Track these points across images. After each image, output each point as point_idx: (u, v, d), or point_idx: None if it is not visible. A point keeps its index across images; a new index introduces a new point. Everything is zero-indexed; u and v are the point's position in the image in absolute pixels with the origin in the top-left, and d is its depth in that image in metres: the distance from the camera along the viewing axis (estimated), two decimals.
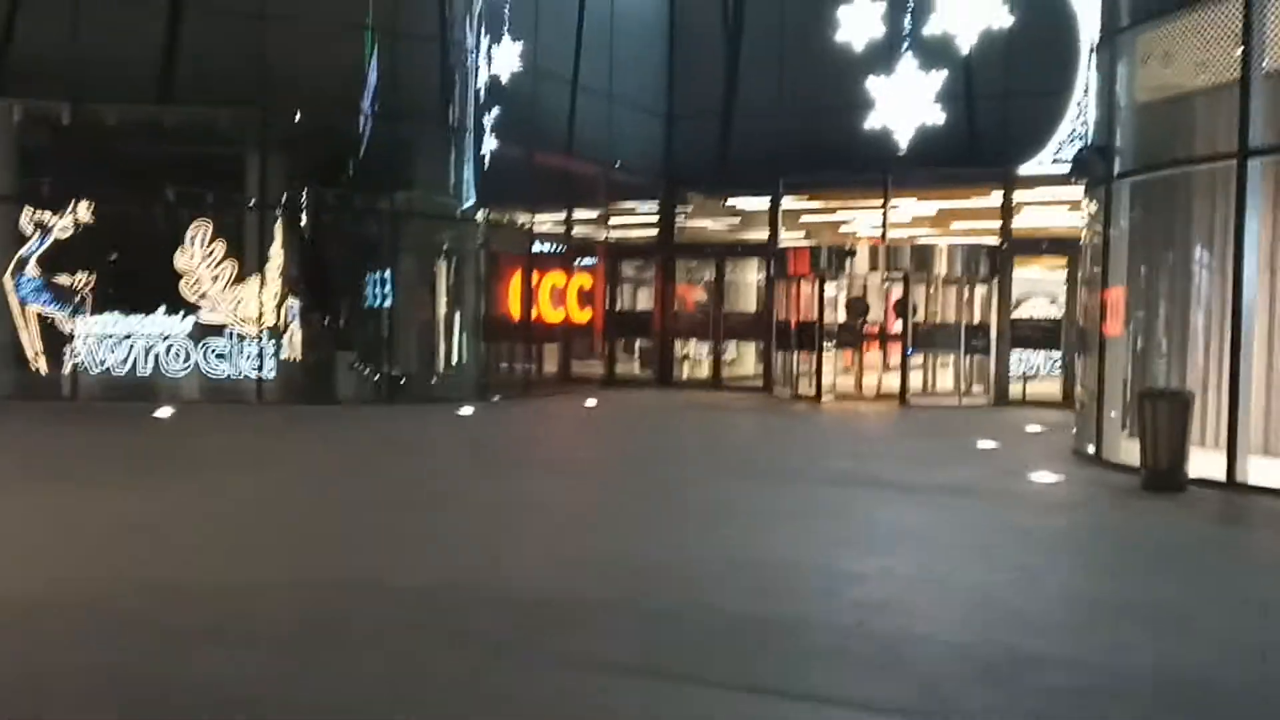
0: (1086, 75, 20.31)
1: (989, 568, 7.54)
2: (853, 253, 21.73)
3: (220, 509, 9.15)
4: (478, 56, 20.36)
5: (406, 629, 5.81)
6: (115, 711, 4.67)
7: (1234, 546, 8.93)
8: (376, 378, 19.33)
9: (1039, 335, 21.51)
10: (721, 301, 24.58)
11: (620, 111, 24.09)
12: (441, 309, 20.45)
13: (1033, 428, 17.00)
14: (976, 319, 21.44)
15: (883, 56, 21.78)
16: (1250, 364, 10.80)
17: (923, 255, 21.62)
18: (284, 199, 19.27)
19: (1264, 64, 10.40)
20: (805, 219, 24.83)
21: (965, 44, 20.81)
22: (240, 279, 18.70)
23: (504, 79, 20.60)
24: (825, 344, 21.63)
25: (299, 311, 18.95)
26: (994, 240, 21.73)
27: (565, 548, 8.01)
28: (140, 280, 18.83)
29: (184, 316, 18.64)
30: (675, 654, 5.49)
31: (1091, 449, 12.70)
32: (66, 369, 18.26)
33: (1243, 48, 10.45)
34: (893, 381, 22.03)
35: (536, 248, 22.57)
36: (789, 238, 23.89)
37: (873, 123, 21.44)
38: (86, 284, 18.28)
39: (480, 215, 20.74)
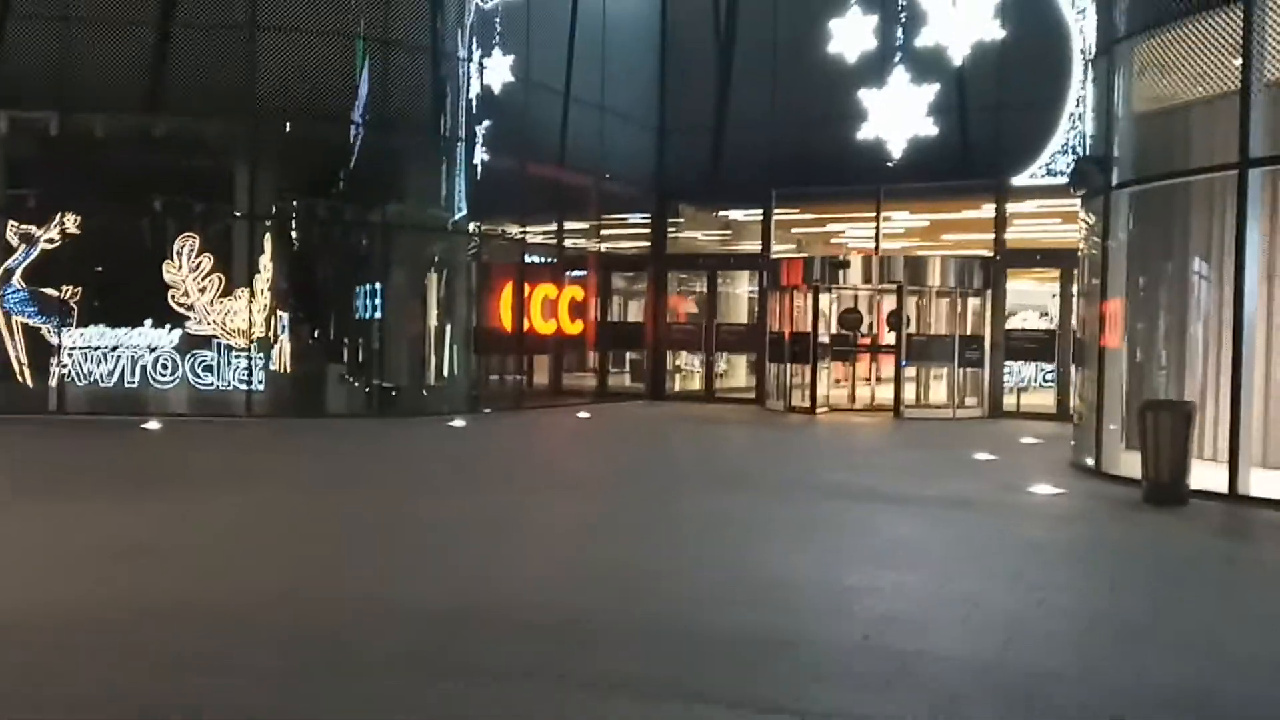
0: (1079, 87, 20.35)
1: (996, 582, 7.41)
2: (846, 264, 21.66)
3: (210, 526, 8.97)
4: (469, 68, 20.27)
5: (405, 651, 5.65)
6: None
7: (1244, 560, 8.82)
8: (367, 391, 19.15)
9: (1033, 347, 21.45)
10: (714, 313, 24.48)
11: (612, 123, 24.01)
12: (432, 321, 20.30)
13: (1028, 440, 16.91)
14: (970, 331, 21.37)
15: (875, 68, 21.80)
16: (1251, 375, 10.72)
17: (916, 267, 21.56)
18: (273, 210, 19.11)
19: (1264, 74, 10.33)
20: (797, 231, 24.77)
21: (957, 56, 20.84)
22: (228, 291, 18.52)
23: (496, 90, 20.51)
24: (819, 356, 21.54)
25: (288, 324, 18.78)
26: (987, 252, 21.69)
27: (564, 564, 7.86)
28: (127, 292, 18.66)
29: (171, 328, 18.45)
30: (679, 671, 5.35)
31: (1090, 461, 12.60)
32: (53, 381, 18.04)
33: (1242, 57, 10.39)
34: (886, 393, 21.95)
35: (528, 259, 22.44)
36: (780, 249, 23.82)
37: (865, 134, 21.42)
38: (73, 296, 18.08)
39: (472, 227, 20.61)
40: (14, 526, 8.66)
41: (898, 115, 21.39)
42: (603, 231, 25.08)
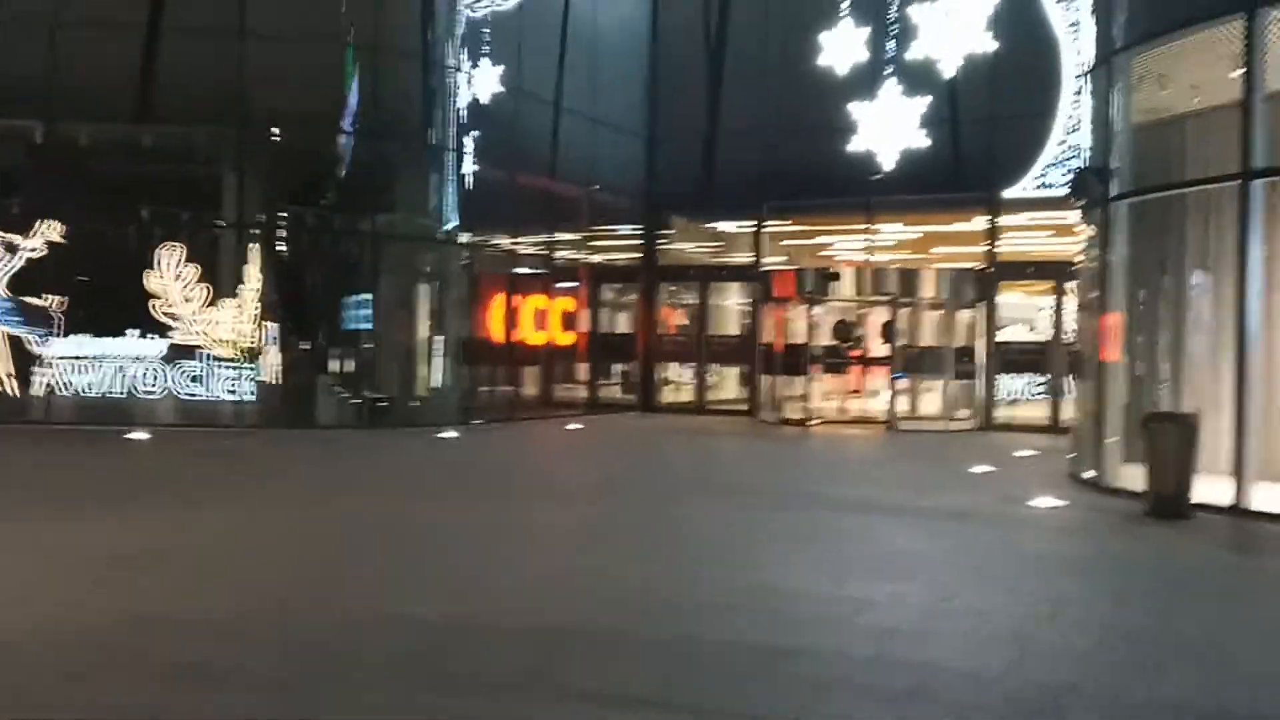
0: (1071, 100, 20.37)
1: (1004, 595, 7.29)
2: (838, 276, 21.60)
3: (199, 540, 8.77)
4: (459, 77, 20.14)
5: (401, 663, 5.48)
6: None
7: (1254, 574, 8.72)
8: (357, 402, 18.93)
9: (1025, 359, 21.40)
10: (705, 325, 24.35)
11: (603, 134, 23.91)
12: (423, 332, 20.11)
13: (1024, 452, 16.82)
14: (963, 343, 21.31)
15: (866, 81, 21.70)
16: (1255, 387, 10.64)
17: (908, 279, 21.50)
18: (261, 219, 18.91)
19: (1265, 85, 10.28)
20: (787, 243, 24.68)
21: (949, 69, 20.75)
22: (215, 301, 18.31)
23: (486, 100, 20.38)
24: (812, 368, 21.44)
25: (277, 334, 18.56)
26: (979, 264, 21.65)
27: (564, 577, 7.70)
28: (113, 302, 18.42)
29: (157, 339, 18.22)
30: (685, 686, 5.20)
31: (1090, 474, 12.50)
32: (38, 391, 17.77)
33: (1244, 69, 10.34)
34: (879, 405, 21.86)
35: (519, 270, 22.29)
36: (771, 261, 23.73)
37: (856, 146, 21.33)
38: (58, 305, 17.84)
39: (462, 237, 20.45)
40: (1, 540, 8.45)
41: (889, 127, 21.27)
42: (594, 243, 24.95)
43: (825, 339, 22.16)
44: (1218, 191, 11.53)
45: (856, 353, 22.90)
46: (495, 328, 21.26)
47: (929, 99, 21.01)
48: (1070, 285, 18.94)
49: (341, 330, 19.36)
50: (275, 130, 18.34)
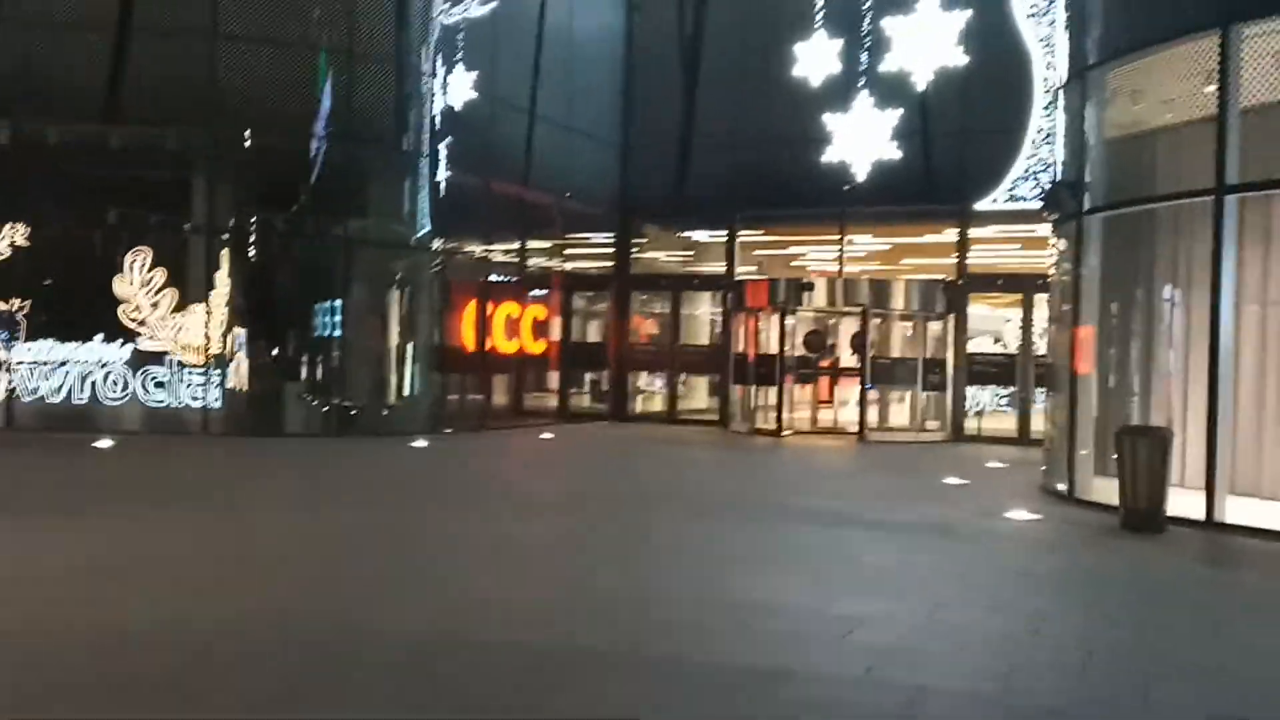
0: (1041, 114, 20.54)
1: (986, 610, 7.28)
2: (810, 286, 21.64)
3: (166, 549, 8.60)
4: (433, 83, 20.01)
5: (371, 680, 5.38)
6: None
7: (1230, 588, 8.75)
8: (326, 409, 18.73)
9: (994, 371, 21.54)
10: (677, 334, 24.33)
11: (577, 141, 23.86)
12: (394, 339, 19.93)
13: (994, 464, 16.90)
14: (932, 354, 21.41)
15: (840, 92, 21.81)
16: (1226, 401, 10.73)
17: (880, 290, 21.58)
18: (230, 224, 18.69)
19: (1239, 100, 10.39)
20: (759, 253, 24.73)
21: (921, 82, 20.89)
22: (183, 306, 18.07)
23: (459, 107, 20.27)
24: (784, 378, 21.46)
25: (245, 340, 18.33)
26: (949, 276, 21.78)
27: (539, 593, 7.61)
28: (78, 306, 18.13)
29: (122, 344, 17.96)
30: (670, 708, 5.12)
31: (1063, 487, 12.56)
32: (0, 397, 17.45)
33: (1219, 84, 10.45)
34: (849, 416, 21.91)
35: (491, 278, 22.17)
36: (743, 271, 23.76)
37: (829, 158, 21.41)
38: (21, 309, 17.53)
39: (435, 244, 20.30)
40: None
41: (862, 139, 21.38)
42: (566, 251, 24.88)
43: (797, 349, 22.22)
44: (1190, 206, 11.64)
45: (827, 363, 22.96)
46: (467, 335, 21.13)
47: (901, 111, 21.14)
48: (1039, 298, 19.12)
49: (312, 337, 19.15)
50: (247, 134, 18.12)
